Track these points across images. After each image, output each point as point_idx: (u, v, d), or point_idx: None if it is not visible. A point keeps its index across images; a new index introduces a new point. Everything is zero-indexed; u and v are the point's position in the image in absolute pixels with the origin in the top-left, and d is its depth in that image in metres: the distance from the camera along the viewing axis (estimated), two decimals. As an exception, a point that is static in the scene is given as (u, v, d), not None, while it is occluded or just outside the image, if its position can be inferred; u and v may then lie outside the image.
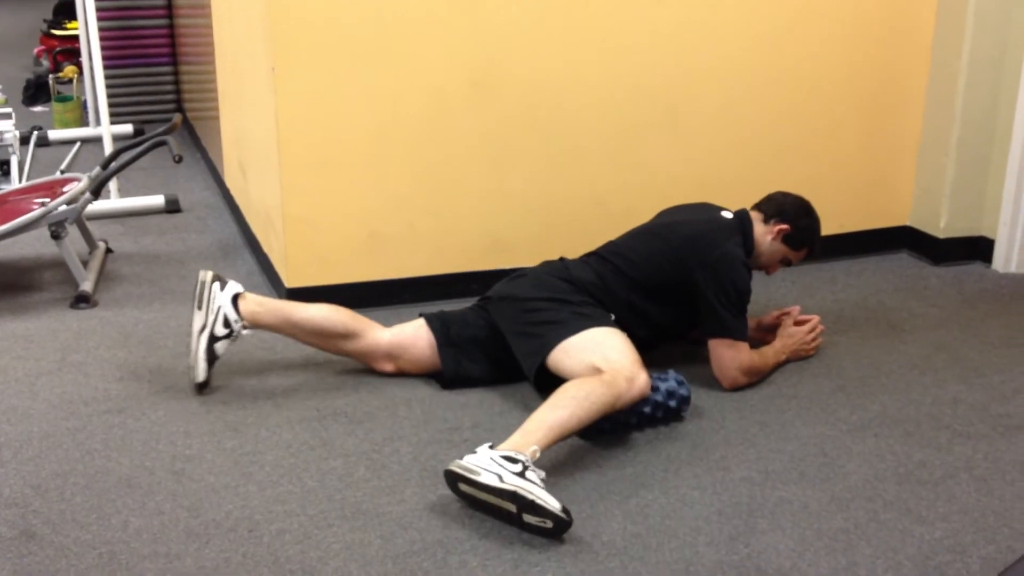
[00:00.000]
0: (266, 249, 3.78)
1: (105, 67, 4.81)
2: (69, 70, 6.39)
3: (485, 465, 2.31)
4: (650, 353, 2.87)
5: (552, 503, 2.26)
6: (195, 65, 5.38)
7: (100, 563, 2.21)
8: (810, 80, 3.82)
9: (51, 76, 6.32)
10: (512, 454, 2.33)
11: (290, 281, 3.47)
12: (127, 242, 4.21)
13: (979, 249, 3.97)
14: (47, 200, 3.70)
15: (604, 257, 3.04)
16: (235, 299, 2.93)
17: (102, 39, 4.91)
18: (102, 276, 3.82)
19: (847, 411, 2.88)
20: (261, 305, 2.96)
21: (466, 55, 3.42)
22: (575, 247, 3.65)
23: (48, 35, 6.81)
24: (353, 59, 3.33)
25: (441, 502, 2.44)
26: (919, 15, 3.86)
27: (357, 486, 2.51)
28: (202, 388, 2.94)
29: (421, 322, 3.03)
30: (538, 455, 2.38)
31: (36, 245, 4.10)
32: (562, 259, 3.12)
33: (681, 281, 2.93)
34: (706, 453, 2.65)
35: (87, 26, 4.92)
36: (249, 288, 3.65)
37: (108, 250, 4.06)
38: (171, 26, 6.04)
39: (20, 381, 3.03)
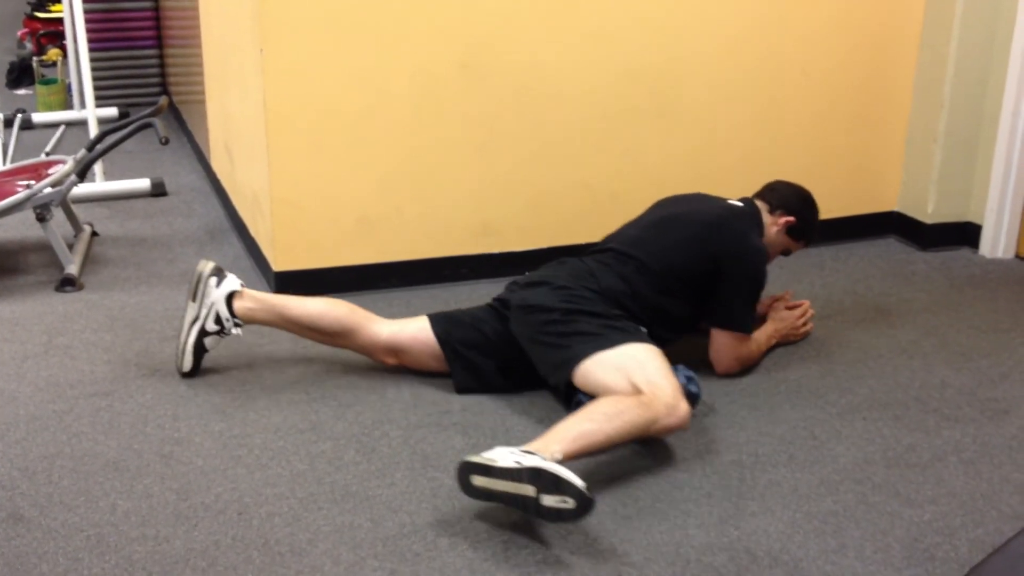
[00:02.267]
0: (253, 233, 3.76)
1: (90, 50, 4.77)
2: (53, 53, 6.35)
3: (502, 456, 2.19)
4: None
5: (576, 480, 2.12)
6: (181, 48, 5.34)
7: (88, 546, 2.20)
8: (799, 65, 3.81)
9: (35, 59, 6.27)
10: (531, 451, 2.22)
11: (278, 265, 3.45)
12: (113, 225, 4.19)
13: (966, 234, 3.98)
14: (32, 182, 3.68)
15: (623, 253, 2.86)
16: (230, 296, 2.87)
17: (87, 21, 4.87)
18: (88, 259, 3.80)
19: (836, 395, 2.89)
20: (257, 302, 2.90)
21: (456, 37, 3.41)
22: (563, 231, 3.67)
23: (32, 18, 6.76)
24: (342, 41, 3.31)
25: (431, 485, 2.43)
26: (908, 1, 3.86)
27: (346, 469, 2.50)
28: (189, 375, 2.93)
29: (424, 324, 2.88)
30: (559, 457, 2.22)
31: (21, 228, 4.07)
32: (582, 259, 2.91)
33: (704, 269, 2.83)
34: (695, 436, 2.65)
35: (72, 8, 4.88)
36: (236, 272, 3.65)
37: (93, 233, 4.04)
38: (156, 8, 6.00)
39: (6, 364, 3.01)
